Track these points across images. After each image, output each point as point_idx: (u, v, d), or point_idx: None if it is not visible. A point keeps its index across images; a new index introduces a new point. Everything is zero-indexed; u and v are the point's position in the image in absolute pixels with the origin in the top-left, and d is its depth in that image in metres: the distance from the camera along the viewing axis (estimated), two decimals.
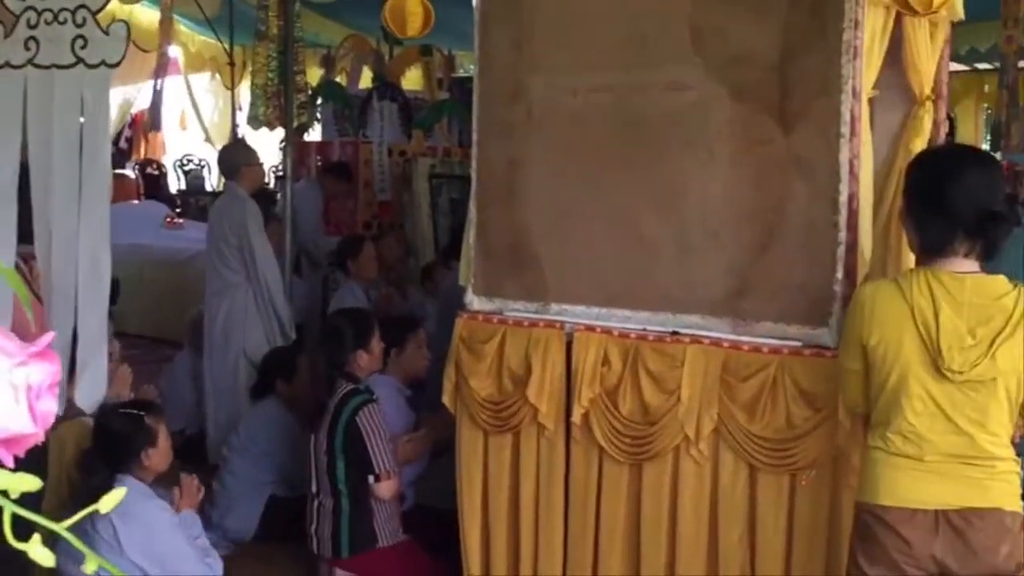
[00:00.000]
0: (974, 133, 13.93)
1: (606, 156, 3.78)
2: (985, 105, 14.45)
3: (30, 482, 0.62)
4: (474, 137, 4.12)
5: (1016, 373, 2.69)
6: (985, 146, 14.55)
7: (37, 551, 0.64)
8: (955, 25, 7.15)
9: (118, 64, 3.18)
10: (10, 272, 0.78)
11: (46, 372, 0.64)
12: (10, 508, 0.60)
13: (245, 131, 9.96)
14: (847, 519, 3.27)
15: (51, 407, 0.66)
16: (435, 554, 4.38)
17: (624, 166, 3.76)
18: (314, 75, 9.65)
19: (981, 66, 12.76)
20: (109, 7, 3.26)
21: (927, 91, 3.80)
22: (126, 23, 3.27)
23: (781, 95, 3.44)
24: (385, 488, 4.23)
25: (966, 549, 2.67)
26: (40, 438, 0.65)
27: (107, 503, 0.70)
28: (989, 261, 2.81)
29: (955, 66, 11.28)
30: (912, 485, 2.74)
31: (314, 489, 4.35)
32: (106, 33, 3.06)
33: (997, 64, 9.72)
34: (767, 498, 3.46)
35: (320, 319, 7.59)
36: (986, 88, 13.53)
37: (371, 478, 4.22)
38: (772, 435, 3.41)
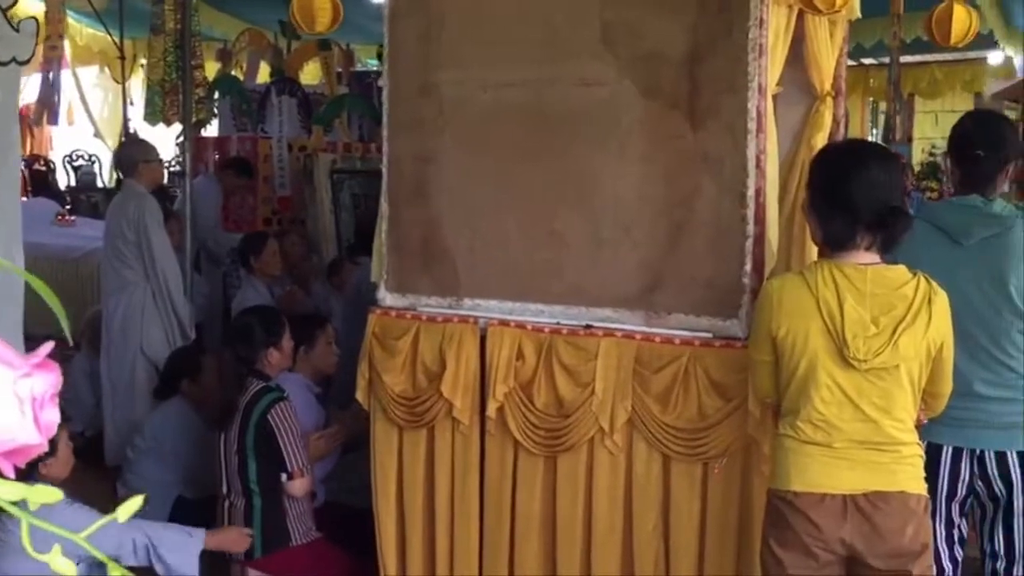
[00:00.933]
0: (861, 126, 14.36)
1: (518, 151, 3.80)
2: (871, 99, 14.91)
3: (50, 494, 0.62)
4: (384, 132, 4.11)
5: (918, 359, 2.79)
6: (872, 138, 15.02)
7: (58, 562, 0.63)
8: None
9: (28, 61, 3.10)
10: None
11: (48, 382, 0.64)
12: (28, 519, 0.60)
13: (138, 126, 9.75)
14: (758, 506, 3.36)
15: (54, 417, 0.65)
16: (348, 550, 4.37)
17: (536, 161, 3.78)
18: (210, 69, 9.49)
19: (867, 61, 13.15)
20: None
21: (827, 87, 3.92)
22: (36, 20, 3.19)
23: (690, 92, 3.50)
24: (298, 486, 4.20)
25: (873, 532, 2.76)
26: (44, 448, 0.64)
27: (123, 512, 0.69)
28: (888, 253, 2.91)
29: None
30: (822, 471, 2.83)
31: (224, 489, 4.29)
32: (16, 30, 2.98)
33: (883, 59, 10.02)
34: (680, 487, 3.53)
35: (222, 317, 7.49)
36: (872, 82, 13.96)
37: (284, 476, 4.19)
38: (684, 425, 3.48)
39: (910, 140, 13.71)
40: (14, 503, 0.63)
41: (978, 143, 3.25)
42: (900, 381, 2.79)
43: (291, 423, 4.19)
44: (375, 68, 10.88)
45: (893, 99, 9.36)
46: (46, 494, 0.63)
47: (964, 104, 13.31)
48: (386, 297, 4.10)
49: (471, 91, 3.88)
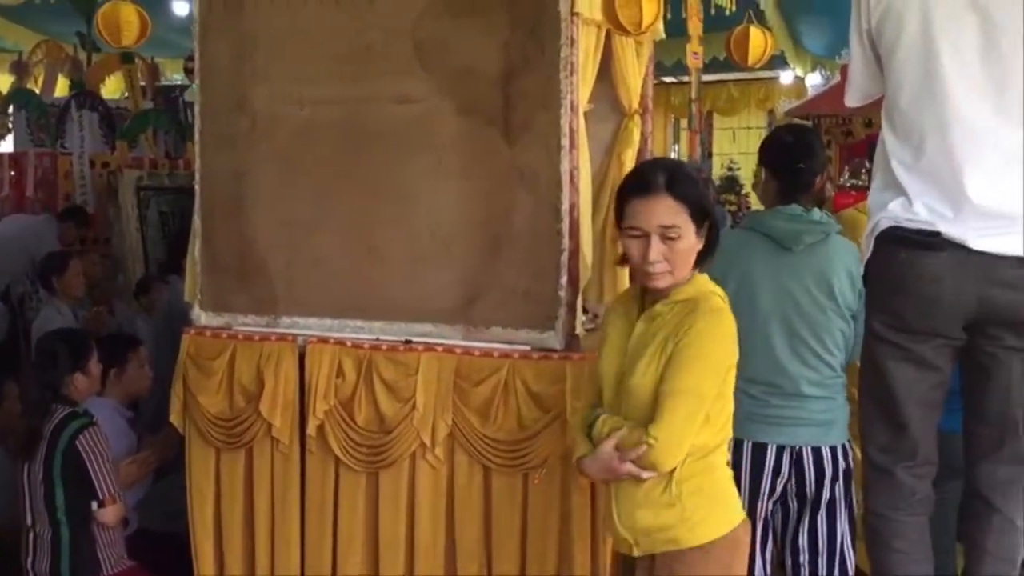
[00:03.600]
0: (664, 142, 14.86)
1: (335, 168, 3.79)
2: (672, 115, 15.44)
3: None
4: (196, 148, 4.03)
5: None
6: (673, 155, 15.56)
7: None
8: None
9: None
10: None
11: None
12: None
13: None
14: (577, 514, 3.47)
15: None
16: None
17: (354, 178, 3.78)
18: (4, 83, 9.09)
19: (668, 79, 13.62)
20: None
21: (635, 105, 4.06)
22: None
23: (505, 109, 3.56)
24: (109, 513, 4.06)
25: None
26: None
27: None
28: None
29: None
30: None
31: (29, 521, 4.10)
32: None
33: (683, 78, 10.40)
34: (502, 498, 3.57)
35: (16, 341, 7.15)
36: (673, 100, 14.46)
37: (94, 504, 4.03)
38: (505, 436, 3.53)
39: (710, 155, 14.27)
40: None
41: (799, 156, 3.41)
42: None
43: (101, 449, 4.04)
44: (181, 82, 10.61)
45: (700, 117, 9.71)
46: None
47: (758, 121, 13.96)
48: (200, 316, 4.02)
49: (286, 107, 3.84)
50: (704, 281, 2.69)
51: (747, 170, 13.81)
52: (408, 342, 3.70)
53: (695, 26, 8.83)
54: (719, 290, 2.70)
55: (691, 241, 2.58)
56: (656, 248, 2.54)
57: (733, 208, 12.78)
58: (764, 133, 12.90)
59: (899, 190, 2.61)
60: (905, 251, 2.60)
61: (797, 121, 11.28)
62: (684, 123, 12.89)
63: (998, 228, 2.53)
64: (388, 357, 3.69)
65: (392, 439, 3.64)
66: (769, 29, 9.95)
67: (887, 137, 2.68)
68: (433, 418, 3.61)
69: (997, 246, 2.52)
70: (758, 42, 4.35)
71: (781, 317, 3.36)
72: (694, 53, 9.05)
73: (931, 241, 2.56)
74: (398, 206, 3.72)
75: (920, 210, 2.58)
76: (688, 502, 2.61)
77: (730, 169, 13.76)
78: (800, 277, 3.36)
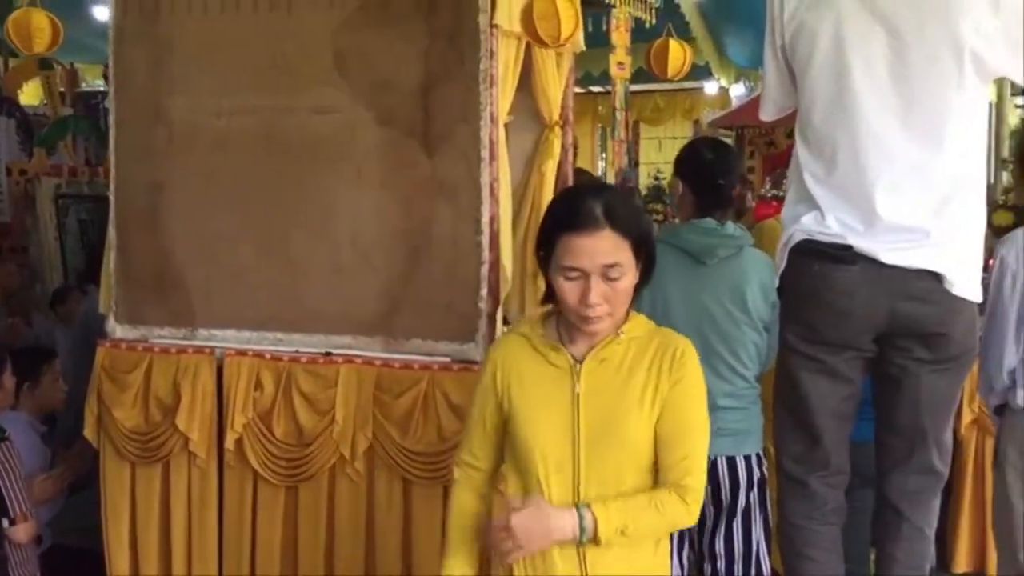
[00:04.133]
0: (591, 152, 14.94)
1: (254, 179, 3.75)
2: (600, 125, 15.54)
3: None
4: (111, 158, 3.96)
5: None
6: (601, 164, 15.66)
7: None
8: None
9: None
10: None
11: None
12: None
13: None
14: None
15: None
16: None
17: (273, 189, 3.75)
18: None
19: (595, 89, 13.70)
20: None
21: (556, 116, 4.07)
22: None
23: (425, 120, 3.56)
24: (22, 531, 3.96)
25: None
26: None
27: None
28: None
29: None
30: None
31: None
32: None
33: (610, 87, 10.46)
34: (421, 511, 3.56)
35: None
36: (600, 109, 14.54)
37: (5, 522, 3.94)
38: (425, 449, 3.52)
39: (636, 165, 14.39)
40: None
41: (719, 172, 3.43)
42: None
43: (13, 465, 3.95)
44: (102, 88, 10.44)
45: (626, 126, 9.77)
46: None
47: (684, 131, 14.10)
48: (116, 329, 3.95)
49: (203, 118, 3.80)
50: (645, 319, 2.38)
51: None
52: (328, 354, 3.67)
53: (620, 37, 8.90)
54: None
55: (632, 278, 2.22)
56: (597, 289, 2.15)
57: (660, 218, 12.88)
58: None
59: (812, 204, 2.65)
60: (818, 264, 2.64)
61: (722, 132, 11.44)
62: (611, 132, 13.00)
63: (908, 242, 2.57)
64: (307, 370, 3.66)
65: (311, 452, 3.61)
66: (693, 40, 10.14)
67: (800, 151, 2.71)
68: (353, 431, 3.58)
69: (907, 260, 2.57)
70: (677, 55, 4.39)
71: (696, 330, 3.38)
72: (619, 64, 9.12)
73: (843, 255, 2.60)
74: (318, 217, 3.70)
75: (832, 224, 2.61)
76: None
77: (656, 178, 13.89)
78: (714, 290, 3.39)
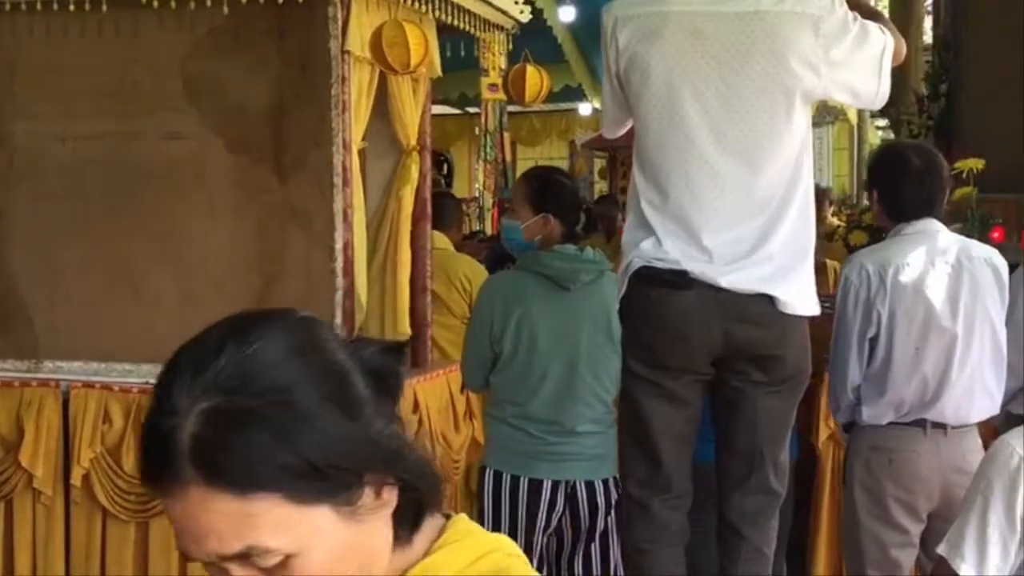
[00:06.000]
0: (468, 173, 14.96)
1: (101, 207, 3.69)
2: (478, 147, 15.58)
3: None
4: None
5: None
6: (477, 185, 15.70)
7: None
8: (444, 73, 7.63)
9: None
10: None
11: None
12: None
13: None
14: None
15: None
16: None
17: (121, 217, 3.69)
18: None
19: (472, 110, 13.74)
20: None
21: (413, 142, 4.06)
22: None
23: (276, 146, 3.54)
24: None
25: None
26: None
27: None
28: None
29: (449, 110, 12.11)
30: None
31: None
32: None
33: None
34: None
35: None
36: (476, 130, 14.57)
37: None
38: None
39: None
40: None
41: (577, 203, 3.50)
42: None
43: None
44: None
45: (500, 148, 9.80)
46: None
47: (560, 152, 14.22)
48: None
49: (47, 144, 3.72)
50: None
51: None
52: None
53: (492, 60, 8.94)
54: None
55: (330, 543, 0.98)
56: None
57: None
58: (566, 164, 13.21)
59: (649, 230, 2.70)
60: (656, 290, 2.68)
61: (596, 153, 11.59)
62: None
63: (741, 267, 2.63)
64: None
65: None
66: (565, 62, 10.23)
67: (637, 178, 2.76)
68: None
69: (740, 283, 2.63)
70: (534, 80, 4.43)
71: (561, 356, 3.41)
72: (491, 86, 9.16)
73: (679, 280, 2.64)
74: (168, 245, 3.65)
75: (669, 249, 2.66)
76: None
77: None
78: (578, 315, 3.42)
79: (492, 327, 3.30)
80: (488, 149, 10.06)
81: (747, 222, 2.64)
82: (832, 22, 2.65)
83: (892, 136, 8.60)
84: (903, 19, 8.84)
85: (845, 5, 2.67)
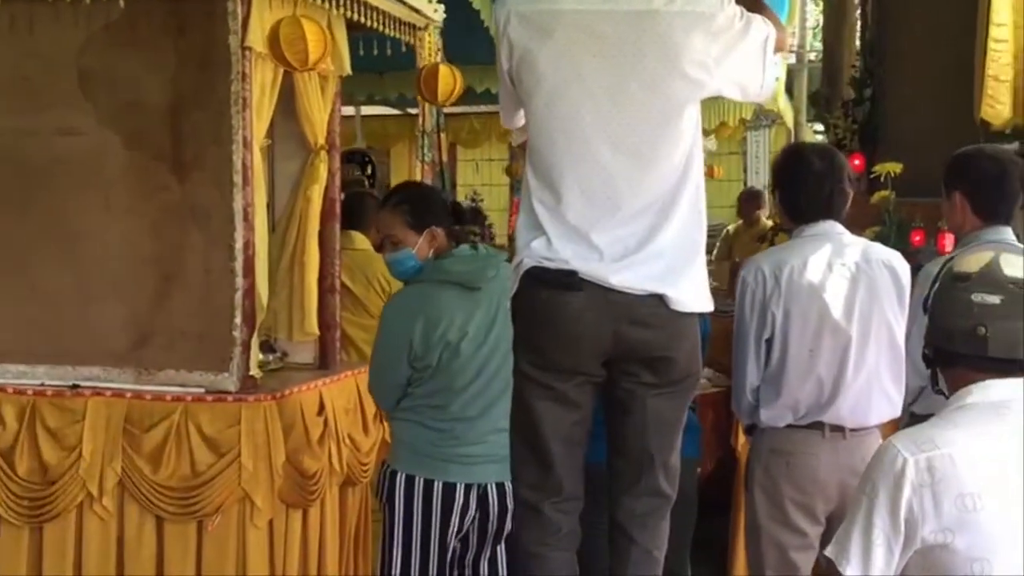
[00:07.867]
0: (409, 173, 14.89)
1: None
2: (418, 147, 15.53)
3: None
4: None
5: None
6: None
7: None
8: (383, 74, 7.54)
9: None
10: None
11: None
12: None
13: None
14: (255, 556, 3.42)
15: None
16: None
17: (16, 213, 3.62)
18: None
19: (412, 111, 13.68)
20: None
21: (321, 141, 4.00)
22: None
23: (174, 144, 3.48)
24: None
25: None
26: None
27: None
28: None
29: (389, 110, 12.05)
30: None
31: None
32: None
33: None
34: (175, 548, 3.45)
35: None
36: (417, 131, 14.52)
37: None
38: (177, 484, 3.42)
39: (454, 186, 14.41)
40: None
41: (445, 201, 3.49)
42: None
43: None
44: None
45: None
46: None
47: (501, 153, 14.17)
48: None
49: None
50: None
51: (490, 201, 14.01)
52: (75, 387, 3.53)
53: (424, 60, 8.89)
54: None
55: None
56: None
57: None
58: (505, 165, 13.18)
59: (540, 230, 2.66)
60: (546, 291, 2.64)
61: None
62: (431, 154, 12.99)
63: (630, 264, 2.60)
64: (53, 403, 3.52)
65: (56, 490, 3.47)
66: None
67: (529, 178, 2.72)
68: (101, 466, 3.45)
69: (631, 283, 2.60)
70: (447, 80, 4.40)
71: (481, 360, 3.38)
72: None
73: (569, 281, 2.61)
74: (63, 244, 3.59)
75: (560, 249, 2.63)
76: None
77: (473, 200, 13.93)
78: (490, 313, 3.39)
79: (412, 347, 3.25)
80: (426, 150, 10.00)
81: (637, 219, 2.62)
82: (722, 19, 2.64)
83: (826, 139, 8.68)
84: (836, 23, 8.92)
85: (733, 2, 2.66)
